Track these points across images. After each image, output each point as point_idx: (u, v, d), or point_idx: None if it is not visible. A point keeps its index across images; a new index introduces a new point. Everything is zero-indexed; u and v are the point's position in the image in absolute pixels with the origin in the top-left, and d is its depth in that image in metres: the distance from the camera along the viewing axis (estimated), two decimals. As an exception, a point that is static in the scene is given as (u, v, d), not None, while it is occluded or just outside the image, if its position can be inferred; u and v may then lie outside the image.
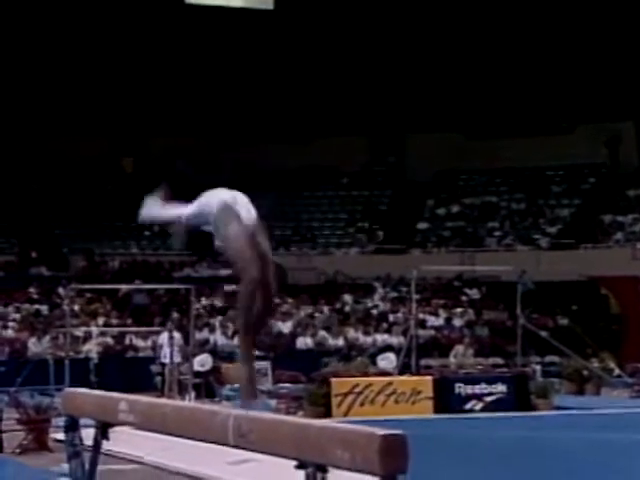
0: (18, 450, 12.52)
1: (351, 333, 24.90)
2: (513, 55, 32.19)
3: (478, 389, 17.40)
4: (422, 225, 33.12)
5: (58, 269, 28.32)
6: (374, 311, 27.47)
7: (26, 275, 27.99)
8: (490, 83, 32.84)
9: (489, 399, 17.36)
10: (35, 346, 21.97)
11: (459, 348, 21.05)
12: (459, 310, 27.10)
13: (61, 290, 24.99)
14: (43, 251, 29.15)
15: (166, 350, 19.57)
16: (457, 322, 26.49)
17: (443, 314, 26.76)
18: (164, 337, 19.95)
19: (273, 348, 23.86)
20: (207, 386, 19.91)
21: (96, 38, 31.52)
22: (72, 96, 31.82)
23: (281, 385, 19.39)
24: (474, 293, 28.75)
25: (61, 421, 8.51)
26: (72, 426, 6.31)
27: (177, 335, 19.93)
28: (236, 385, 20.27)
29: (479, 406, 17.29)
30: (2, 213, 30.74)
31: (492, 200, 33.39)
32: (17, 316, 24.39)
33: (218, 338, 23.93)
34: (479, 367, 19.59)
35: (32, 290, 26.22)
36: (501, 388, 17.50)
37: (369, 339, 24.39)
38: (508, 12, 31.62)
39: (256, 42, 32.06)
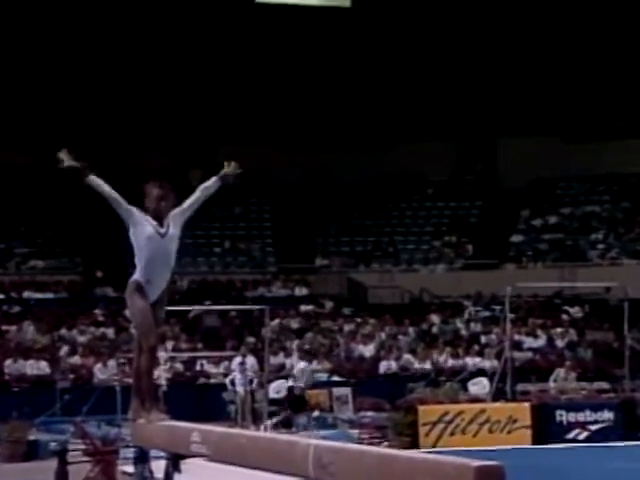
0: (84, 483, 12.72)
1: (439, 356, 24.76)
2: (615, 47, 31.74)
3: (582, 417, 17.13)
4: (516, 238, 32.79)
5: (124, 289, 28.78)
6: (464, 332, 27.28)
7: (91, 296, 28.52)
8: (589, 80, 32.41)
9: (594, 428, 17.08)
10: (101, 372, 22.35)
11: (560, 372, 20.74)
12: (559, 330, 26.74)
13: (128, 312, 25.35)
14: (109, 270, 29.68)
15: (236, 376, 19.71)
16: (557, 343, 26.14)
17: (541, 335, 26.44)
18: (236, 362, 20.11)
19: (354, 373, 23.85)
20: (284, 414, 19.96)
21: (160, 46, 32.08)
22: (136, 109, 32.44)
23: (363, 413, 19.35)
24: (576, 312, 28.33)
25: (130, 452, 8.64)
26: (142, 458, 6.41)
27: (252, 360, 20.06)
28: (315, 413, 20.35)
29: (583, 435, 17.03)
30: (66, 231, 31.45)
31: (594, 209, 32.90)
32: (82, 340, 24.87)
33: (295, 362, 24.03)
34: (582, 392, 19.28)
35: (97, 312, 26.71)
36: (607, 416, 17.21)
37: (459, 363, 24.21)
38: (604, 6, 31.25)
39: (330, 42, 32.22)
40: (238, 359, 20.01)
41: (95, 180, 6.54)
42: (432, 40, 32.31)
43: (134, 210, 6.60)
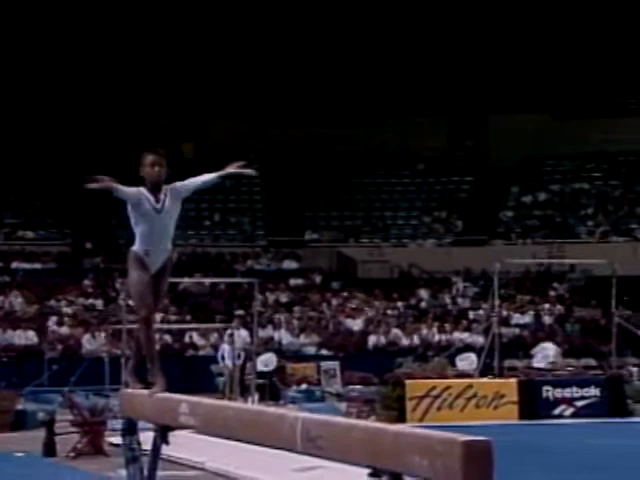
0: (72, 454, 12.75)
1: (427, 331, 24.82)
2: (604, 25, 31.66)
3: (568, 393, 17.20)
4: (506, 214, 32.81)
5: (114, 261, 28.78)
6: (452, 308, 27.35)
7: (80, 267, 28.47)
8: (580, 57, 32.34)
9: (580, 404, 17.16)
10: (89, 343, 22.36)
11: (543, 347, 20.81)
12: (547, 307, 26.83)
13: (117, 283, 25.37)
14: (98, 242, 29.62)
15: (225, 348, 19.72)
16: (544, 320, 26.23)
17: (529, 311, 26.53)
18: (226, 335, 20.13)
19: (342, 347, 23.91)
20: (271, 387, 20.02)
21: (149, 21, 31.88)
22: (129, 80, 32.27)
23: (351, 387, 19.42)
24: (563, 288, 28.42)
25: (117, 423, 8.66)
26: (130, 429, 6.39)
27: (244, 333, 20.08)
28: (303, 386, 20.39)
29: (569, 411, 17.11)
30: (56, 202, 31.33)
31: (583, 187, 32.92)
32: (70, 310, 24.84)
33: (283, 336, 24.08)
34: (569, 369, 19.36)
35: (86, 283, 26.67)
36: (594, 392, 17.27)
37: (447, 338, 24.29)
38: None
39: (322, 18, 32.07)
40: (229, 332, 20.02)
41: (119, 189, 6.46)
42: (424, 16, 32.17)
43: (133, 192, 6.51)
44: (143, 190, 6.53)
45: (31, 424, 15.24)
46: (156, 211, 6.49)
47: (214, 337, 22.75)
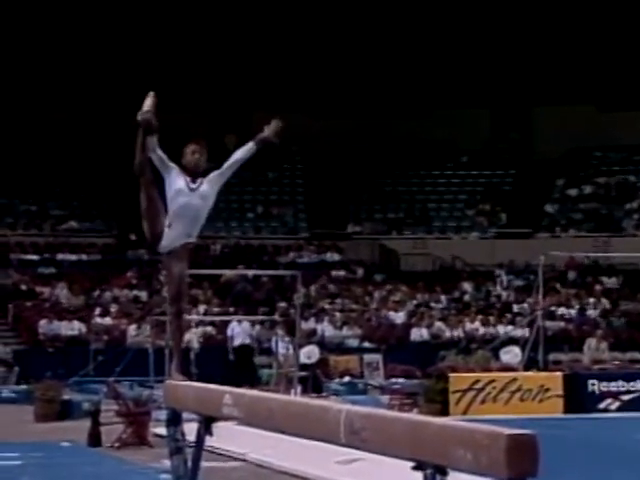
0: (117, 444, 12.84)
1: (470, 324, 24.71)
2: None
3: (614, 386, 17.05)
4: (550, 207, 32.55)
5: (158, 253, 28.87)
6: (496, 300, 27.19)
7: (125, 259, 28.67)
8: (624, 46, 31.95)
9: (626, 398, 17.00)
10: (134, 334, 22.52)
11: (591, 342, 20.64)
12: (592, 300, 26.58)
13: (161, 275, 25.49)
14: (143, 234, 29.68)
15: (274, 340, 19.82)
16: (590, 313, 26.00)
17: (574, 304, 26.31)
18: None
19: (385, 340, 23.87)
20: (314, 380, 20.02)
21: (195, 10, 31.98)
22: (174, 72, 32.40)
23: (394, 380, 19.39)
24: (610, 282, 28.14)
25: (162, 414, 8.68)
26: (174, 420, 6.41)
27: (246, 324, 20.50)
28: (346, 379, 20.38)
29: (615, 405, 16.95)
30: (101, 193, 31.57)
31: (630, 179, 32.56)
32: (115, 302, 25.02)
33: (326, 328, 24.08)
34: (615, 362, 19.18)
35: (131, 275, 26.86)
36: None
37: (491, 331, 24.15)
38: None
39: (365, 8, 31.98)
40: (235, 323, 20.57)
41: (154, 142, 6.57)
42: (469, 8, 31.97)
43: (173, 167, 6.66)
44: (182, 170, 6.66)
45: (76, 414, 15.40)
46: (190, 189, 6.60)
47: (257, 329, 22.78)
